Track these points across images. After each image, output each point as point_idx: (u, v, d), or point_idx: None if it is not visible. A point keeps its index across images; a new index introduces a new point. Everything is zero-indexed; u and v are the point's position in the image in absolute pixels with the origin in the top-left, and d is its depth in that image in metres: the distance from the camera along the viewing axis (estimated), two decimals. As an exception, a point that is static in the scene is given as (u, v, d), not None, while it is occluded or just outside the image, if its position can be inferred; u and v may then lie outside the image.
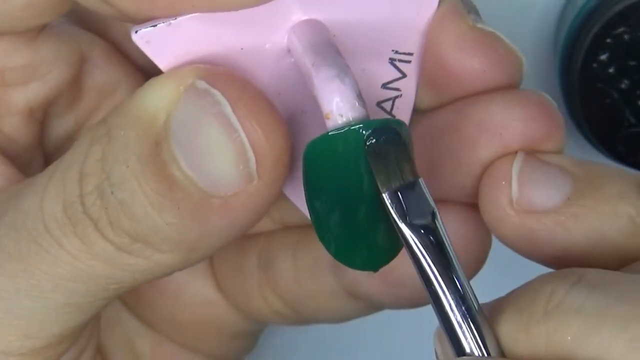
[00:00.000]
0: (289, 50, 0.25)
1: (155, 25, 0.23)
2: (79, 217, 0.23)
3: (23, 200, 0.24)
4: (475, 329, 0.22)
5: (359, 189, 0.23)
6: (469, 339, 0.22)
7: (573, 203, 0.24)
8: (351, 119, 0.23)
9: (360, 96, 0.23)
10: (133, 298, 0.32)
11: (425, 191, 0.23)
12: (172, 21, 0.23)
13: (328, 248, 0.24)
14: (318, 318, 0.32)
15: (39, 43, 0.27)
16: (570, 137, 0.38)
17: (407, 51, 0.26)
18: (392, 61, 0.26)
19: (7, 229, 0.24)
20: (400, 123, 0.23)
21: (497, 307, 0.23)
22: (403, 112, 0.27)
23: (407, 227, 0.23)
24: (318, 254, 0.30)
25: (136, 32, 0.23)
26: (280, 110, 0.24)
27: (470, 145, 0.25)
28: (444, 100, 0.26)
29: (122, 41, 0.30)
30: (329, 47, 0.24)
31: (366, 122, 0.23)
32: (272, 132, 0.23)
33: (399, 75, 0.26)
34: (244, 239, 0.32)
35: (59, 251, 0.24)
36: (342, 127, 0.23)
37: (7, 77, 0.27)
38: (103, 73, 0.29)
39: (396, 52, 0.26)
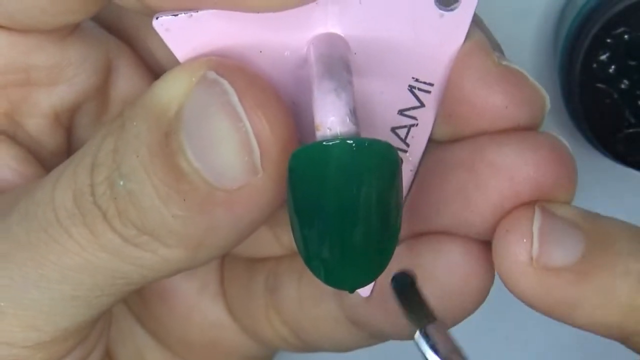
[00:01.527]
0: (307, 61, 0.24)
1: (177, 15, 0.23)
2: (89, 207, 0.23)
3: (36, 190, 0.24)
4: None
5: (352, 205, 0.23)
6: None
7: (586, 261, 0.24)
8: (339, 134, 0.23)
9: (353, 113, 0.23)
10: (145, 313, 0.32)
11: (446, 331, 0.23)
12: (193, 13, 0.23)
13: (317, 272, 0.24)
14: (322, 345, 0.31)
15: (67, 44, 0.27)
16: (571, 137, 0.39)
17: (427, 81, 0.25)
18: (411, 88, 0.26)
19: (19, 218, 0.24)
20: (390, 147, 0.23)
21: None
22: (418, 142, 0.26)
23: None
24: None
25: (157, 18, 0.23)
26: (294, 121, 0.24)
27: (481, 185, 0.25)
28: (460, 134, 0.26)
29: (150, 51, 0.30)
30: (338, 61, 0.24)
31: (356, 139, 0.23)
32: (278, 124, 0.23)
33: (417, 104, 0.26)
34: (254, 261, 0.31)
35: (67, 241, 0.23)
36: (331, 140, 0.23)
37: (32, 76, 0.27)
38: (129, 83, 0.29)
39: (416, 80, 0.25)
